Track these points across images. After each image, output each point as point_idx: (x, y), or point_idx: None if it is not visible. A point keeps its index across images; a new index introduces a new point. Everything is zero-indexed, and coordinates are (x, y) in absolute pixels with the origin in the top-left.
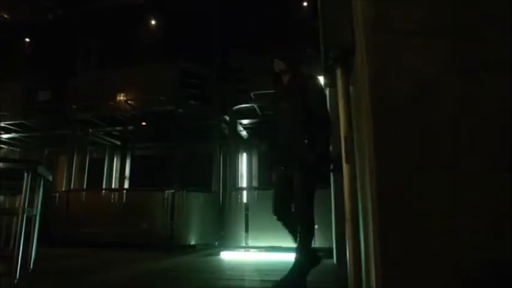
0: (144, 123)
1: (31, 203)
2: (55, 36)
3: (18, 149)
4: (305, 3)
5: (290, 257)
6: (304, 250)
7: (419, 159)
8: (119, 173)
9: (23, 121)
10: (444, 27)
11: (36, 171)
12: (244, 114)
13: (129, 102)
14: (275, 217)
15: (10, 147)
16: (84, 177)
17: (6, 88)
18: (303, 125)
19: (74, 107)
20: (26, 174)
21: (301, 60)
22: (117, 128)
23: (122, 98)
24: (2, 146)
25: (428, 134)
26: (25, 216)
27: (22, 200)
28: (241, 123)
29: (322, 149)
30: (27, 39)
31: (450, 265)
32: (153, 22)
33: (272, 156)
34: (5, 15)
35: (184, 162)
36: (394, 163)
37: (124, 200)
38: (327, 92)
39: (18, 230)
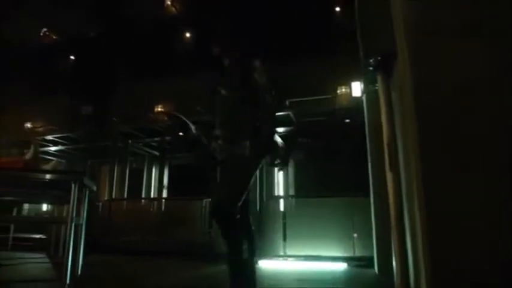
0: (181, 134)
1: (77, 212)
2: (96, 51)
3: (64, 161)
4: (338, 8)
5: (329, 266)
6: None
7: (466, 160)
8: (157, 182)
9: (69, 134)
10: (496, 29)
11: (82, 182)
12: (280, 122)
13: (166, 113)
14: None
15: (58, 159)
16: (124, 186)
17: (54, 104)
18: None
19: (115, 119)
20: (73, 185)
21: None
22: (156, 138)
23: (159, 109)
24: (51, 158)
25: (472, 136)
26: (73, 224)
27: (70, 210)
28: (276, 131)
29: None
30: (71, 57)
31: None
32: (188, 34)
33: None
34: (53, 36)
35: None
36: (441, 168)
37: (163, 209)
38: (364, 98)
39: (67, 237)
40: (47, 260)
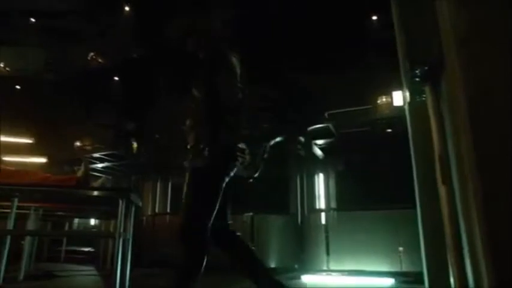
0: None
1: (125, 227)
2: (138, 71)
3: (111, 177)
4: (375, 17)
5: (375, 282)
6: None
7: None
8: None
9: (114, 151)
10: None
11: (129, 198)
12: (319, 134)
13: None
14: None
15: (105, 176)
16: (167, 201)
17: (100, 123)
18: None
19: (157, 136)
20: (120, 201)
21: None
22: None
23: None
24: (99, 174)
25: None
26: (121, 239)
27: (118, 225)
28: (316, 144)
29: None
30: (116, 78)
31: None
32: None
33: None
34: (100, 60)
35: (261, 185)
36: (502, 185)
37: None
38: (406, 107)
39: (116, 251)
40: (96, 272)
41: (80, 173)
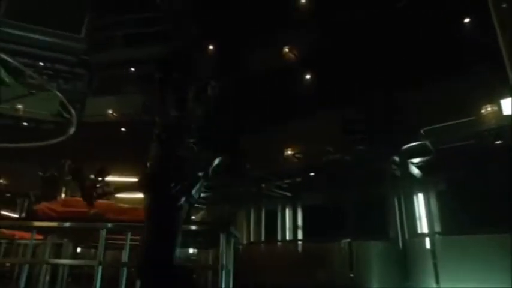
0: (312, 174)
1: (226, 258)
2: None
3: (204, 206)
4: (469, 19)
5: None
6: None
7: None
8: (291, 223)
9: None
10: None
11: (229, 232)
12: (416, 152)
13: (296, 155)
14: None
15: (204, 209)
16: (261, 229)
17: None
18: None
19: (248, 166)
20: (221, 234)
21: None
22: (286, 181)
23: (289, 152)
24: (199, 206)
25: None
26: (224, 271)
27: (220, 256)
28: (412, 162)
29: None
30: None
31: None
32: (307, 77)
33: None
34: None
35: (356, 209)
36: None
37: (300, 251)
38: None
39: (220, 281)
40: None
41: None
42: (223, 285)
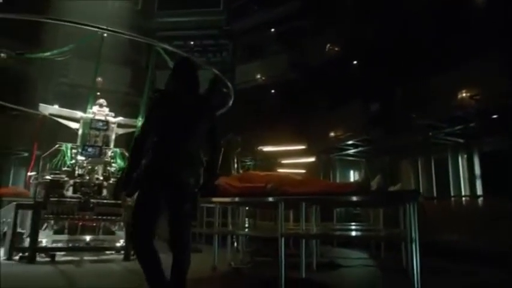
0: (494, 116)
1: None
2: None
3: (364, 160)
4: None
5: None
6: None
7: None
8: (466, 174)
9: (366, 137)
10: None
11: (417, 200)
12: None
13: (474, 97)
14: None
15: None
16: (432, 180)
17: (347, 111)
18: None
19: (414, 115)
20: (408, 205)
21: None
22: (458, 127)
23: (464, 95)
24: (351, 158)
25: None
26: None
27: (408, 228)
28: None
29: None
30: (354, 62)
31: None
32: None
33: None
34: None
35: None
36: None
37: (479, 206)
38: None
39: (409, 255)
40: (371, 261)
41: (360, 179)
42: (414, 260)
